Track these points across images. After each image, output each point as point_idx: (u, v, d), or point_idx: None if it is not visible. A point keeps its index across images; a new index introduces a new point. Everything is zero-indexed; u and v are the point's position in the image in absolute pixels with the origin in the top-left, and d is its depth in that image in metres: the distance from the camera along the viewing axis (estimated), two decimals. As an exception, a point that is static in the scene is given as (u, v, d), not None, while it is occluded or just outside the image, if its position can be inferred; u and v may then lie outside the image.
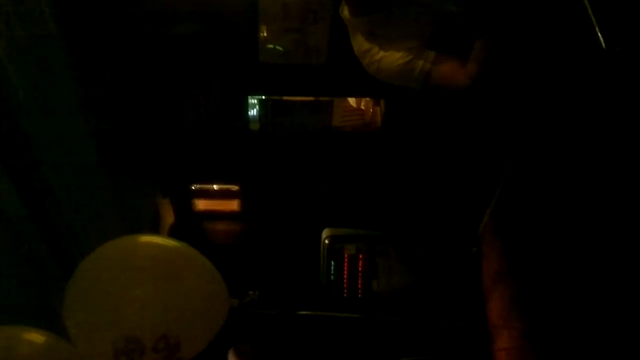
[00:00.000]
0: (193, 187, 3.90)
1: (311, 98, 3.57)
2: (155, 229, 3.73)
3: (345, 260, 3.74)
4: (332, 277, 3.74)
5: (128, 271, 1.91)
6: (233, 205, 4.00)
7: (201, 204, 3.98)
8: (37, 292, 2.41)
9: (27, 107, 2.23)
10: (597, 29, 1.66)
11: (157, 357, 1.88)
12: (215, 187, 3.92)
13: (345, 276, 3.75)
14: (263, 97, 3.54)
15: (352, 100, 3.80)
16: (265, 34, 3.06)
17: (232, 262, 3.87)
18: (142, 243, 2.07)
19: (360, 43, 2.27)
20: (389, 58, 2.19)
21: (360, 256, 3.74)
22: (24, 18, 2.20)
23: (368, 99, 3.73)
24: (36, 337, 1.85)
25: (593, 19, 1.67)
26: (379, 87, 2.39)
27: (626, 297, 2.34)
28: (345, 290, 3.75)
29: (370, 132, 3.75)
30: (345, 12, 2.33)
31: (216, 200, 3.97)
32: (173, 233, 3.92)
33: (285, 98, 3.55)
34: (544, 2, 1.97)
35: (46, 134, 2.41)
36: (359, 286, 3.73)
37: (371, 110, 3.77)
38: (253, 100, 3.56)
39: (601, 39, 1.66)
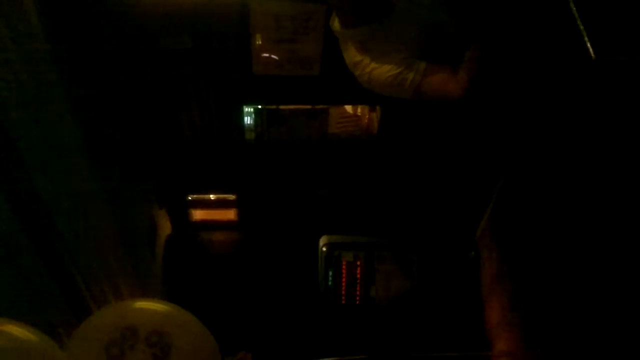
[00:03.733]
0: (190, 198, 3.91)
1: (307, 106, 3.57)
2: (152, 241, 3.73)
3: (343, 267, 3.74)
4: (330, 284, 3.74)
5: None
6: (230, 214, 4.00)
7: (198, 214, 3.99)
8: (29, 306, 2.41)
9: (18, 120, 2.23)
10: (586, 38, 1.67)
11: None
12: (212, 196, 3.93)
13: (343, 283, 3.74)
14: (259, 106, 3.55)
15: (348, 107, 3.80)
16: (257, 45, 3.06)
17: (229, 273, 3.90)
18: (132, 310, 2.07)
19: (351, 55, 2.27)
20: (380, 70, 2.18)
21: (358, 263, 3.74)
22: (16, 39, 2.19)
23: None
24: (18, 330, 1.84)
25: (582, 28, 1.68)
26: (374, 94, 2.39)
27: (625, 299, 2.35)
28: (344, 297, 3.75)
29: (366, 139, 3.75)
30: (336, 24, 2.32)
31: (213, 210, 3.97)
32: (170, 243, 3.93)
33: (280, 107, 3.56)
34: (533, 12, 1.98)
35: (40, 148, 2.40)
36: (357, 293, 3.73)
37: (367, 116, 3.77)
38: (249, 109, 3.56)
39: (590, 49, 1.66)
